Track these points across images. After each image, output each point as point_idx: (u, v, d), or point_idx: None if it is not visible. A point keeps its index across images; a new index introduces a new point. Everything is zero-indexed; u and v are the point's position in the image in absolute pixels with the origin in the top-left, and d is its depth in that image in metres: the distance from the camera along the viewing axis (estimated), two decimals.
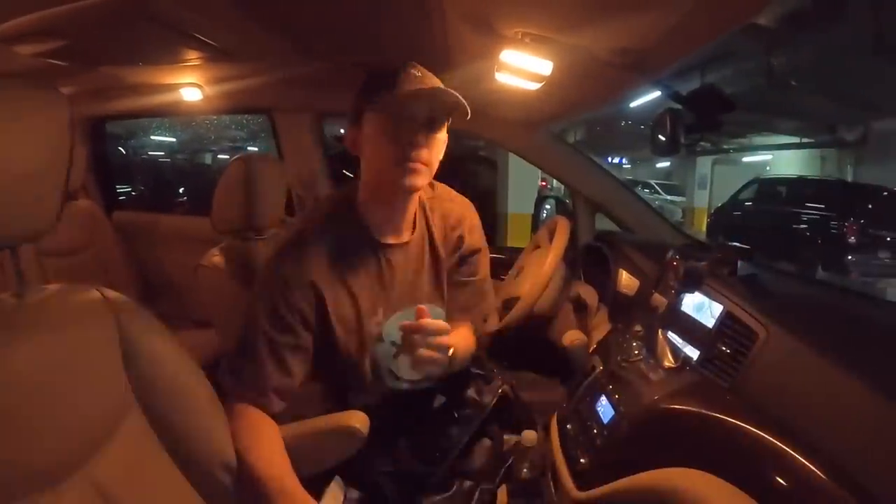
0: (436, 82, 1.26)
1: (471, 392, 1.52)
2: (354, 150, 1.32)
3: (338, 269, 1.28)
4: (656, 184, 19.92)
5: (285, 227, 1.57)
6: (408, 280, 1.39)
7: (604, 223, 2.52)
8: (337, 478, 1.34)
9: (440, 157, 1.30)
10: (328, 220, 1.32)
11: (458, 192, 1.53)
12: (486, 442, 1.51)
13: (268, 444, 1.15)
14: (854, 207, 8.91)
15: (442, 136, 1.29)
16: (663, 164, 24.20)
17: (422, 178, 1.24)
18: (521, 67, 1.45)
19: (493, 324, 1.99)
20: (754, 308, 1.19)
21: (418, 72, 1.26)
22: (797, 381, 1.01)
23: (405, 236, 1.38)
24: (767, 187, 11.29)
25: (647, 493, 1.05)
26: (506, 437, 1.54)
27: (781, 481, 0.87)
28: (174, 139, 14.55)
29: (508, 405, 1.57)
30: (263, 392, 1.22)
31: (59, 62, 2.03)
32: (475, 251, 1.52)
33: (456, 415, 1.48)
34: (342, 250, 1.29)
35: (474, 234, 1.51)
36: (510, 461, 1.46)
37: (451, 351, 1.21)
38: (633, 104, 7.50)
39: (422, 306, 1.16)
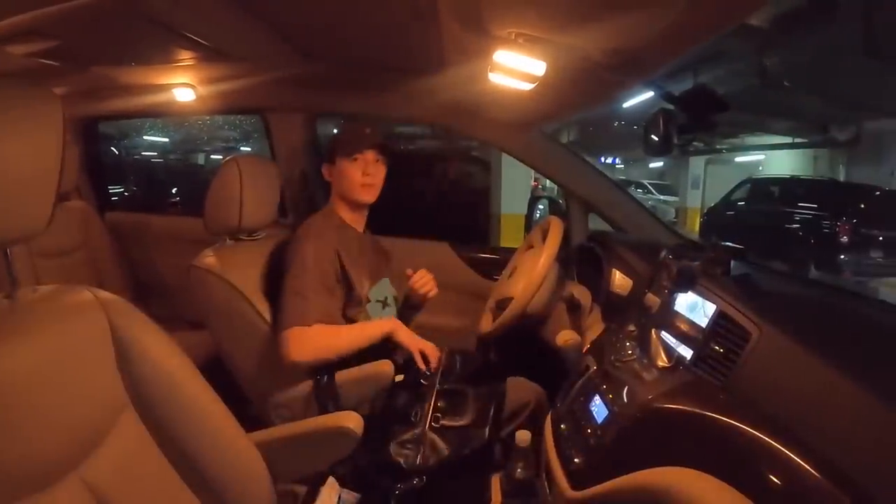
0: (378, 139, 1.94)
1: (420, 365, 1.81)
2: (330, 179, 1.98)
3: (341, 245, 1.84)
4: (649, 184, 19.96)
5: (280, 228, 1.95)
6: (371, 259, 2.01)
7: (597, 223, 2.52)
8: (331, 478, 1.34)
9: (383, 179, 1.97)
10: (325, 218, 1.94)
11: (451, 191, 2.19)
12: (460, 397, 1.75)
13: (344, 328, 1.75)
14: (846, 207, 8.95)
15: (383, 167, 1.96)
16: (656, 165, 24.23)
17: (373, 193, 1.95)
18: (515, 68, 1.45)
19: (487, 324, 2.00)
20: (747, 307, 1.19)
21: (369, 129, 1.94)
22: (790, 380, 1.01)
23: (362, 231, 2.03)
24: (760, 187, 11.35)
25: (642, 492, 1.05)
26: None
27: (775, 480, 0.87)
28: (167, 139, 14.51)
29: (456, 360, 1.89)
30: (338, 319, 1.76)
31: (52, 62, 2.02)
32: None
33: (417, 382, 1.77)
34: (338, 234, 1.88)
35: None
36: (493, 405, 1.73)
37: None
38: (626, 104, 7.50)
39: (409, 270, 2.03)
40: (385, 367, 1.64)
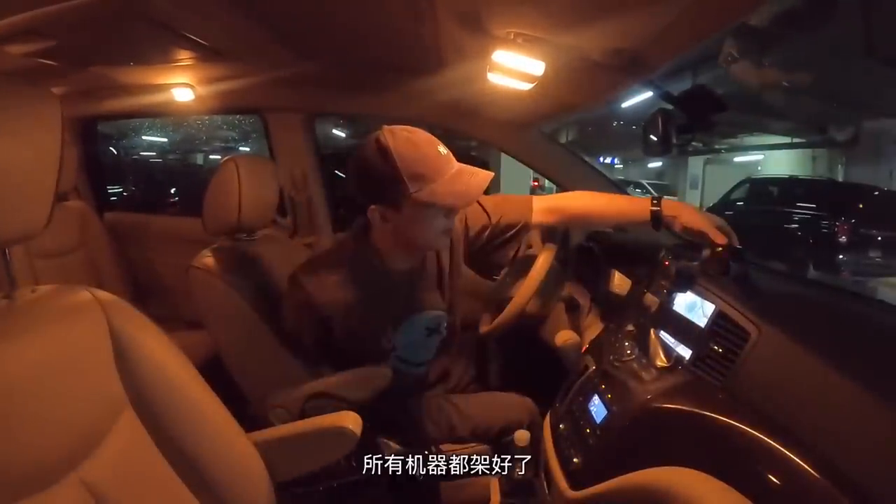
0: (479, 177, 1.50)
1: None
2: (383, 222, 1.47)
3: (351, 298, 1.51)
4: (648, 184, 19.91)
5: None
6: (409, 295, 1.64)
7: None
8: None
9: None
10: (351, 259, 1.56)
11: None
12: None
13: None
14: (845, 207, 8.93)
15: None
16: (655, 165, 24.19)
17: None
18: (513, 68, 1.45)
19: (486, 324, 2.00)
20: (746, 307, 1.19)
21: (455, 165, 1.49)
22: (789, 380, 1.01)
23: (409, 265, 1.62)
24: (759, 187, 11.32)
25: (641, 492, 1.05)
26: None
27: (774, 480, 0.87)
28: (165, 139, 14.47)
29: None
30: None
31: (51, 62, 2.02)
32: (485, 226, 1.75)
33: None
34: (357, 283, 1.53)
35: (475, 220, 1.74)
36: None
37: None
38: (625, 104, 7.47)
39: None
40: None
